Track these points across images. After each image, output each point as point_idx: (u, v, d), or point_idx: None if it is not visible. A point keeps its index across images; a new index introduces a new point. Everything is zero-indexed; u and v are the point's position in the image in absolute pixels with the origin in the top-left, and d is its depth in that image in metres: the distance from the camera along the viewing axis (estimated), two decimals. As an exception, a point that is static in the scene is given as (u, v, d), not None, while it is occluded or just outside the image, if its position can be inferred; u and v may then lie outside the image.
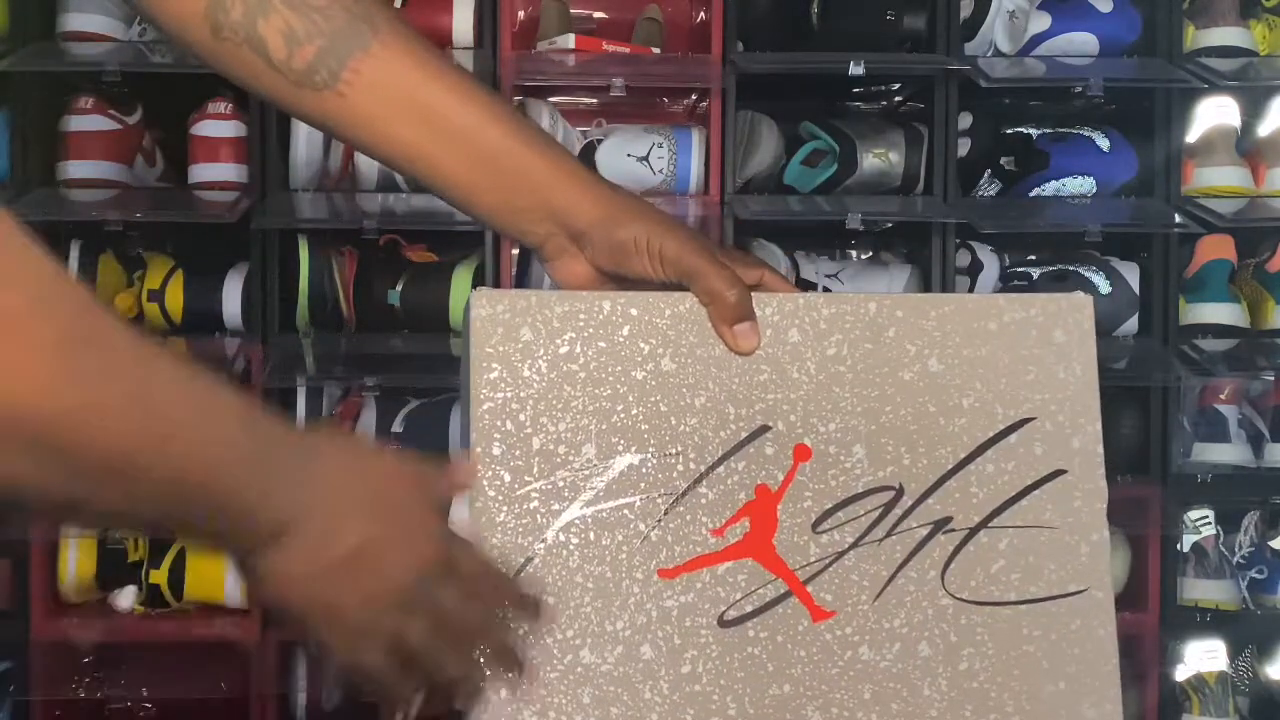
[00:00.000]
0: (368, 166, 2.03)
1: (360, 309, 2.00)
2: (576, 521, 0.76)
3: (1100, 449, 0.83)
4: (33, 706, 2.00)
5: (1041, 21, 2.08)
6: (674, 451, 0.78)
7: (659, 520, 0.77)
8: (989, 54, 2.07)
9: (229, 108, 2.03)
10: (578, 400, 0.77)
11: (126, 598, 2.02)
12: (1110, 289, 2.07)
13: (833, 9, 2.01)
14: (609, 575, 0.76)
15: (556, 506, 0.76)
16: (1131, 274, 2.09)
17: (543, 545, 0.76)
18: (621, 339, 0.78)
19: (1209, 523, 2.15)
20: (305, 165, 2.01)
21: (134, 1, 0.83)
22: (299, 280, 1.99)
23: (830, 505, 0.79)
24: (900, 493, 0.80)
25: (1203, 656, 2.13)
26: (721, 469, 0.78)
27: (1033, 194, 2.10)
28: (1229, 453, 2.12)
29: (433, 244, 2.09)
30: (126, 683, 1.99)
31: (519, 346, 0.77)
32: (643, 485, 0.77)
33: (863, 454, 0.80)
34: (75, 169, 2.00)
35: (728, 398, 0.79)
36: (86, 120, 2.00)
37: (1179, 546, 2.13)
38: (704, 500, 0.78)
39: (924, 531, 0.80)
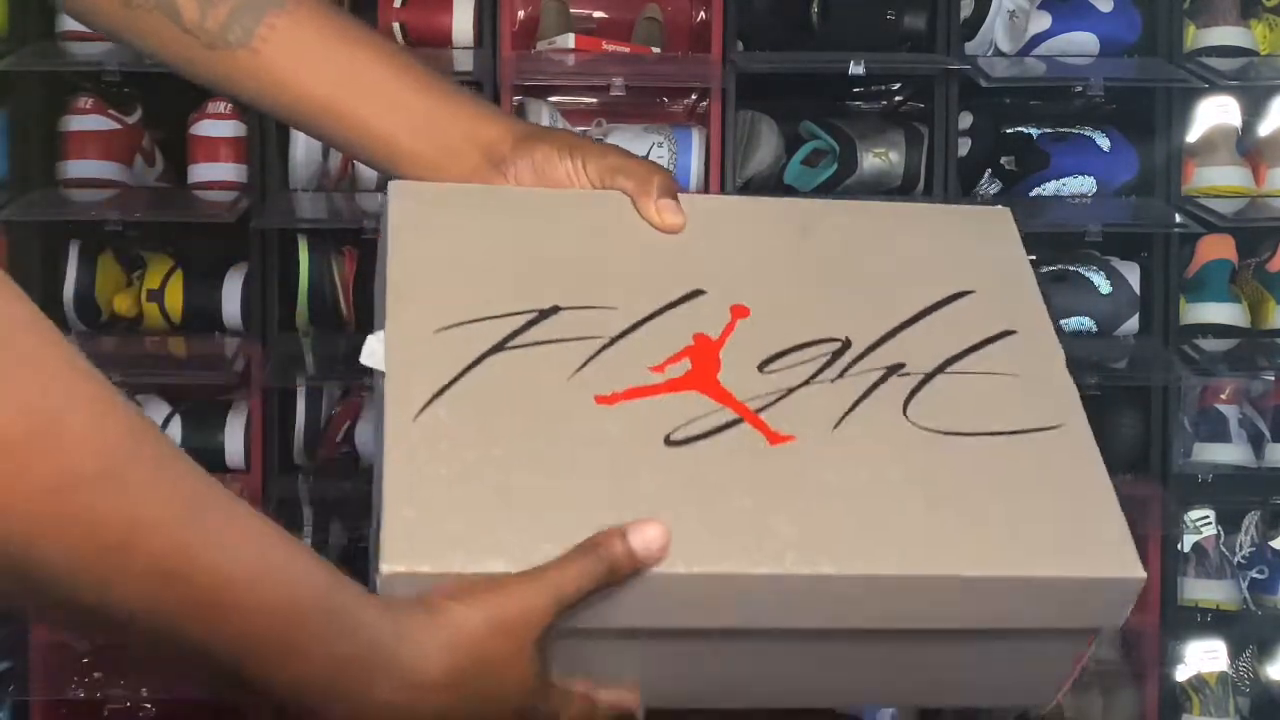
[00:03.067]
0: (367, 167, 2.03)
1: (360, 309, 2.00)
2: (502, 359, 0.72)
3: (1045, 316, 0.82)
4: (32, 706, 2.00)
5: (1042, 21, 2.08)
6: (605, 306, 0.76)
7: (592, 357, 0.73)
8: (989, 54, 2.07)
9: (228, 107, 2.03)
10: (500, 268, 0.76)
11: (126, 598, 2.02)
12: (1111, 289, 2.07)
13: (833, 9, 2.01)
14: (541, 405, 0.71)
15: (479, 346, 0.72)
16: (1132, 274, 2.09)
17: (464, 378, 0.71)
18: (544, 222, 0.79)
19: (1209, 523, 2.15)
20: (305, 165, 2.00)
21: None
22: (299, 280, 1.99)
23: (776, 351, 0.76)
24: (847, 344, 0.77)
25: (1203, 657, 2.13)
26: (655, 321, 0.76)
27: (1033, 194, 2.10)
28: (1230, 453, 2.12)
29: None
30: (126, 683, 1.99)
31: (439, 224, 0.77)
32: (572, 333, 0.74)
33: (803, 315, 0.78)
34: (75, 169, 2.00)
35: (660, 270, 0.78)
36: (86, 120, 2.00)
37: (1179, 547, 2.12)
38: (640, 343, 0.75)
39: (877, 374, 0.76)
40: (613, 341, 0.74)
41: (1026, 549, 0.71)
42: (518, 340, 0.73)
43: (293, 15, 0.78)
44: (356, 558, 2.05)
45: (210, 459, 1.99)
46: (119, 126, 2.02)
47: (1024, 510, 0.73)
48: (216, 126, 2.03)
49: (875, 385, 0.76)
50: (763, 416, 0.73)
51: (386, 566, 0.65)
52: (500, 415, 0.70)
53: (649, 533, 0.66)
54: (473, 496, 0.67)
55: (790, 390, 0.75)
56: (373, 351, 0.73)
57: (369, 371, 0.75)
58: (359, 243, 2.01)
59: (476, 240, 0.77)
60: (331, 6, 0.81)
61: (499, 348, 0.72)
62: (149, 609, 0.53)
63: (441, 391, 0.70)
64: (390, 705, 0.61)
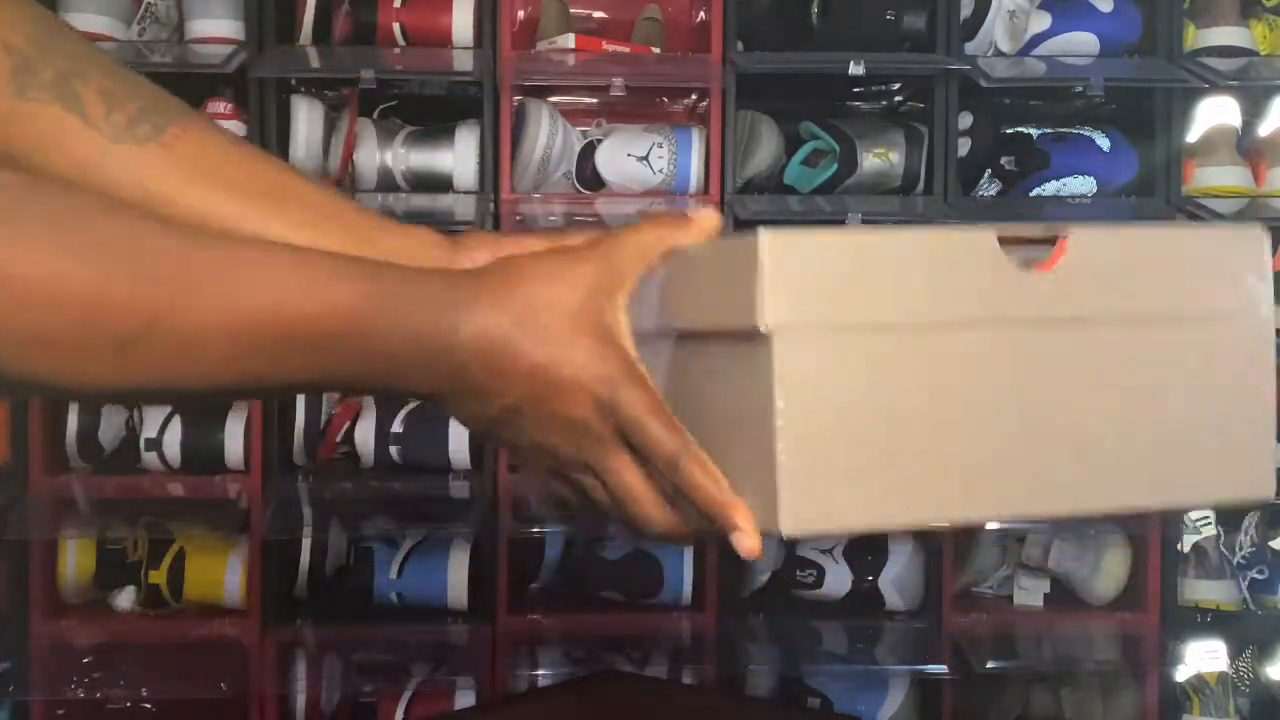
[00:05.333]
0: (367, 167, 2.03)
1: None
2: None
3: None
4: (32, 707, 2.00)
5: (1042, 21, 2.08)
6: None
7: None
8: (989, 54, 2.07)
9: (229, 108, 2.03)
10: None
11: (126, 598, 2.02)
12: (1111, 289, 2.07)
13: (833, 9, 2.01)
14: None
15: None
16: (1132, 274, 2.09)
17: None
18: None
19: (1209, 523, 2.15)
20: (304, 164, 2.00)
21: None
22: (299, 280, 1.99)
23: None
24: None
25: (1203, 657, 2.13)
26: None
27: (1033, 194, 2.10)
28: (1230, 453, 2.11)
29: (432, 244, 2.09)
30: (126, 683, 1.99)
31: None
32: None
33: None
34: (75, 169, 2.00)
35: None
36: (86, 120, 2.00)
37: (1179, 547, 2.12)
38: None
39: None
40: None
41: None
42: None
43: (199, 125, 0.78)
44: (357, 558, 2.05)
45: (210, 459, 1.99)
46: (119, 126, 2.02)
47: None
48: (216, 126, 2.03)
49: None
50: None
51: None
52: None
53: (707, 209, 0.73)
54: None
55: None
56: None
57: None
58: (359, 243, 2.01)
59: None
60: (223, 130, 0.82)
61: None
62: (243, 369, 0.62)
63: None
64: (474, 365, 0.66)
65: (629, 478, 0.68)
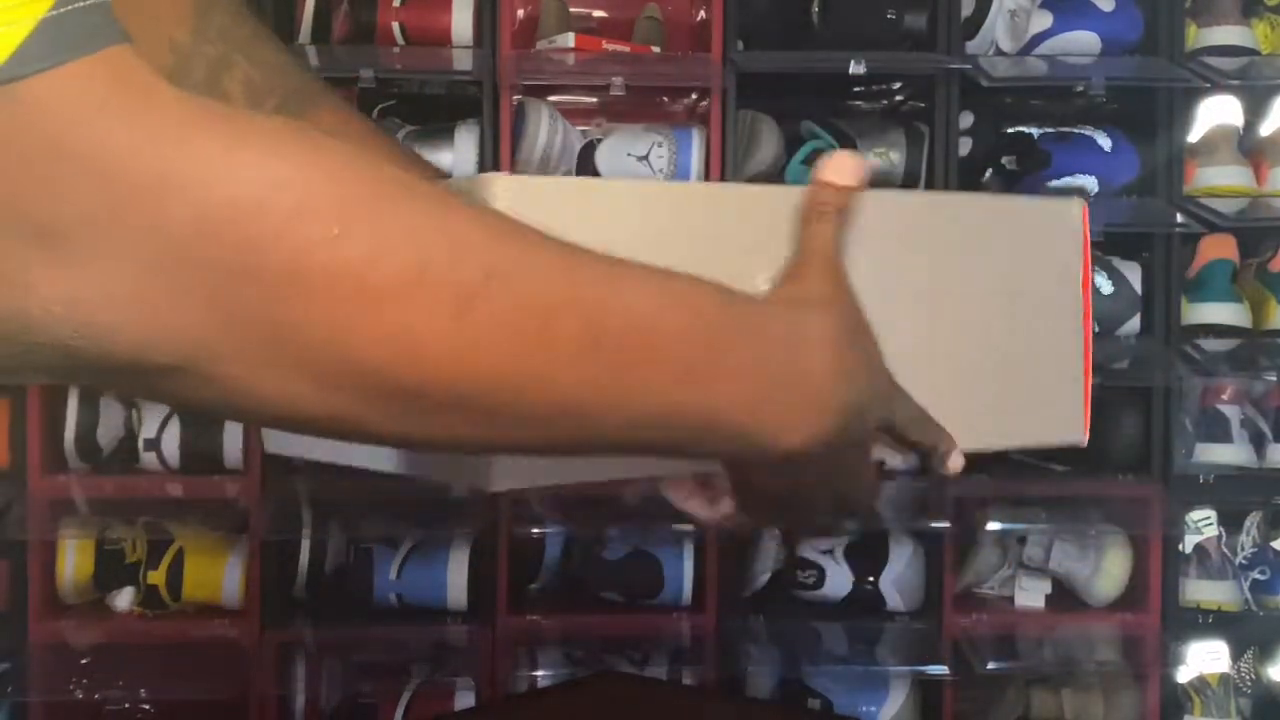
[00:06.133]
0: (367, 166, 2.03)
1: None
2: None
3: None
4: (30, 708, 2.00)
5: (1043, 20, 2.08)
6: None
7: None
8: (990, 53, 2.07)
9: (228, 107, 2.03)
10: None
11: (124, 599, 2.02)
12: (1112, 288, 2.07)
13: (833, 8, 2.01)
14: None
15: None
16: (1133, 273, 2.08)
17: None
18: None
19: (1211, 524, 2.15)
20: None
21: None
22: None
23: None
24: None
25: (1205, 658, 2.12)
26: None
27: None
28: (1231, 453, 2.11)
29: (432, 244, 2.08)
30: (125, 683, 1.98)
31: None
32: None
33: None
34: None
35: None
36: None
37: (1181, 547, 2.12)
38: None
39: None
40: None
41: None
42: None
43: (334, 113, 0.82)
44: (356, 559, 2.05)
45: (209, 459, 1.99)
46: (118, 126, 2.02)
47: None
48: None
49: None
50: None
51: None
52: None
53: (837, 163, 0.72)
54: None
55: None
56: None
57: None
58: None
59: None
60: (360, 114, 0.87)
61: None
62: (597, 395, 0.53)
63: None
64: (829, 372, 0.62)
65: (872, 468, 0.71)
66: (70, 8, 0.42)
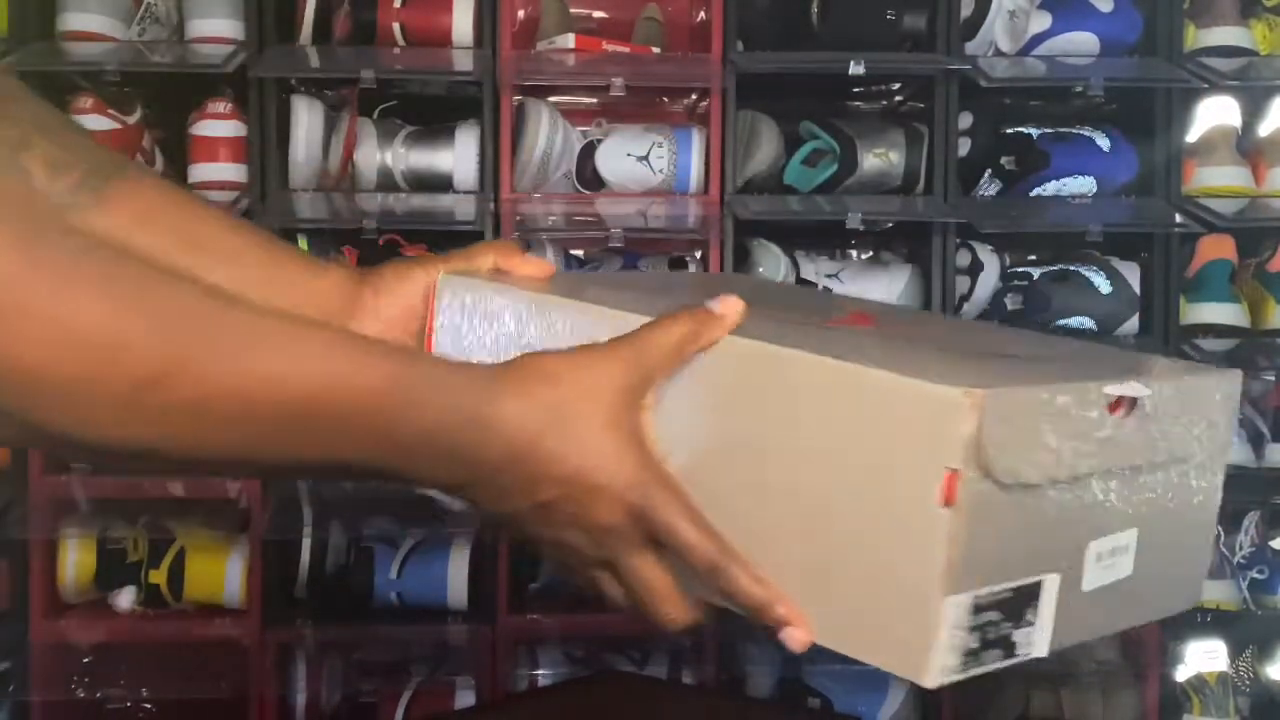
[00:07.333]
0: (367, 166, 2.03)
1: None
2: None
3: None
4: (32, 707, 2.00)
5: (1042, 21, 2.08)
6: None
7: None
8: (989, 53, 2.07)
9: (228, 107, 2.03)
10: None
11: (126, 598, 2.02)
12: (1111, 289, 2.07)
13: (833, 8, 2.01)
14: None
15: None
16: (1132, 274, 2.09)
17: None
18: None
19: (1210, 523, 2.15)
20: (304, 164, 2.01)
21: None
22: (298, 280, 1.99)
23: None
24: None
25: (1203, 657, 2.13)
26: None
27: (1033, 194, 2.10)
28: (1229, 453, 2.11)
29: (432, 244, 2.09)
30: (126, 683, 1.99)
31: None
32: None
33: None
34: (75, 169, 1.99)
35: None
36: (86, 120, 1.99)
37: (1179, 547, 2.12)
38: None
39: None
40: None
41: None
42: None
43: (138, 181, 0.81)
44: (357, 558, 2.05)
45: (210, 459, 1.99)
46: (119, 126, 2.02)
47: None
48: (216, 126, 2.03)
49: None
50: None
51: None
52: None
53: (729, 298, 0.71)
54: None
55: None
56: None
57: None
58: (358, 242, 2.01)
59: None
60: (165, 181, 0.86)
61: None
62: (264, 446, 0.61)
63: None
64: (502, 464, 0.66)
65: (649, 574, 0.69)
66: None
